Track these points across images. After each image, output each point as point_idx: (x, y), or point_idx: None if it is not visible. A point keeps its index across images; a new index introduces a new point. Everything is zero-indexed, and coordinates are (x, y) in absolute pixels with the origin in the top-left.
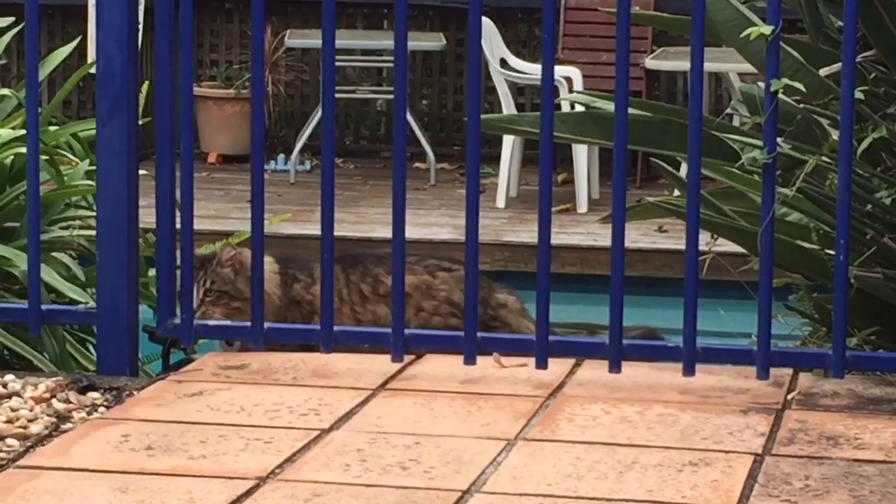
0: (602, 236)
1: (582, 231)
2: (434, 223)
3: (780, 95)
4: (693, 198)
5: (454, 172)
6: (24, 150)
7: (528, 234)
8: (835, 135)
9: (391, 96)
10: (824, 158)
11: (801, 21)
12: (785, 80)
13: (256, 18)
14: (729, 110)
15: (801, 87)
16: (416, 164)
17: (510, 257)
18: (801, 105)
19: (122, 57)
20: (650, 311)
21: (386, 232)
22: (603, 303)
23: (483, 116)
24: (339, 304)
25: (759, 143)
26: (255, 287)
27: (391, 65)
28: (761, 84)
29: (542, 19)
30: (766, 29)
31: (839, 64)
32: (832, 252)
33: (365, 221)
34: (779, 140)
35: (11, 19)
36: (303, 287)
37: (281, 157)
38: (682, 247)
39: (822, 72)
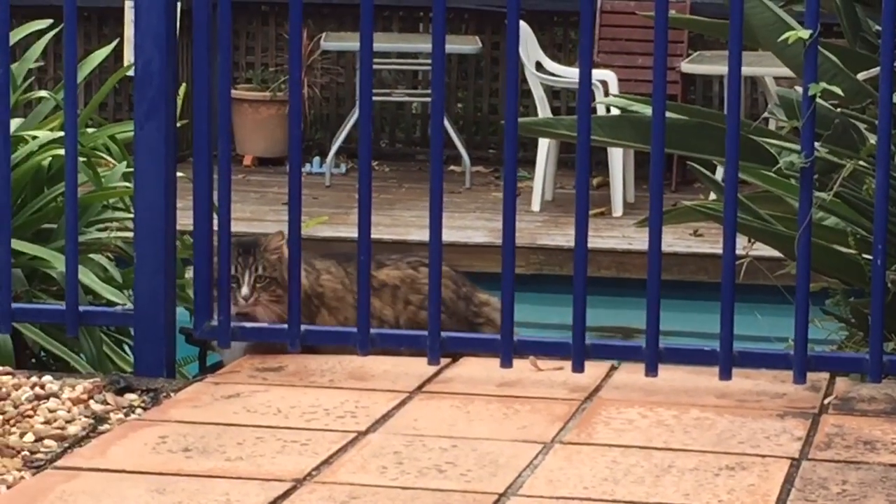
0: (637, 240)
1: (617, 235)
2: (469, 226)
3: (818, 99)
4: (730, 202)
5: (489, 175)
6: (61, 151)
7: (563, 237)
8: (872, 139)
9: (427, 99)
10: (861, 163)
11: (837, 25)
12: (823, 84)
13: (294, 22)
14: (766, 114)
15: (838, 91)
16: (452, 167)
17: (545, 261)
18: (839, 109)
19: (160, 59)
20: (685, 315)
21: (421, 235)
22: (638, 307)
23: (520, 120)
24: (344, 292)
25: (797, 147)
26: (293, 289)
27: (427, 68)
28: (798, 88)
29: (580, 23)
30: (805, 33)
31: (877, 68)
32: (869, 256)
33: (400, 224)
34: (816, 144)
35: (49, 21)
36: (314, 279)
37: (316, 159)
38: (718, 251)
39: (860, 76)
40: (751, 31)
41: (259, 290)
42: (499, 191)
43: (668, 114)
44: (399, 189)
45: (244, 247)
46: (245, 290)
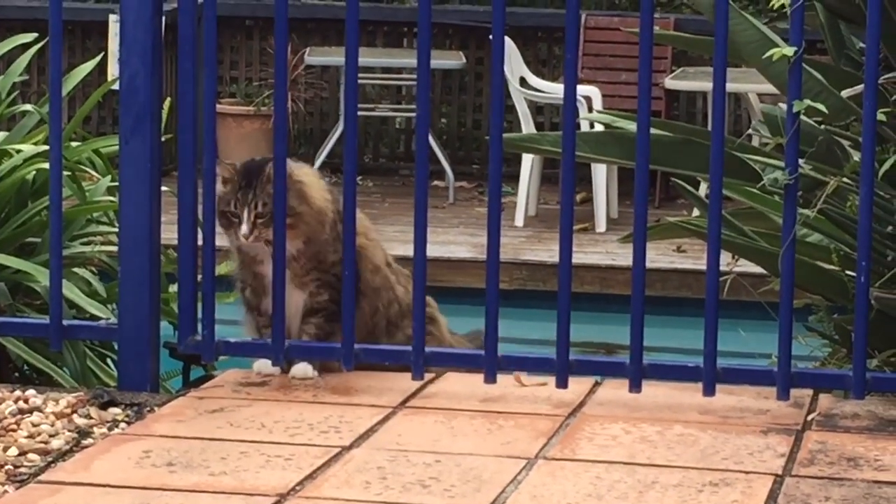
0: (621, 256)
1: (601, 250)
2: (452, 241)
3: (802, 116)
4: (714, 218)
5: (473, 191)
6: (46, 165)
7: (546, 252)
8: (856, 156)
9: (411, 114)
10: (845, 180)
11: (822, 42)
12: (807, 102)
13: (280, 36)
14: (750, 131)
15: (822, 108)
16: (435, 182)
17: (528, 276)
18: (823, 126)
19: (145, 73)
20: (668, 331)
21: (404, 250)
22: (621, 322)
23: (505, 135)
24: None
25: (781, 163)
26: (278, 301)
27: (411, 83)
28: (782, 105)
29: (566, 38)
30: (789, 50)
31: (861, 85)
32: (853, 273)
33: (384, 239)
34: (800, 161)
35: (34, 35)
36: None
37: None
38: (701, 267)
39: (844, 93)
40: (735, 48)
41: (260, 227)
42: (482, 206)
43: (653, 130)
44: (382, 204)
45: (247, 178)
46: (245, 227)
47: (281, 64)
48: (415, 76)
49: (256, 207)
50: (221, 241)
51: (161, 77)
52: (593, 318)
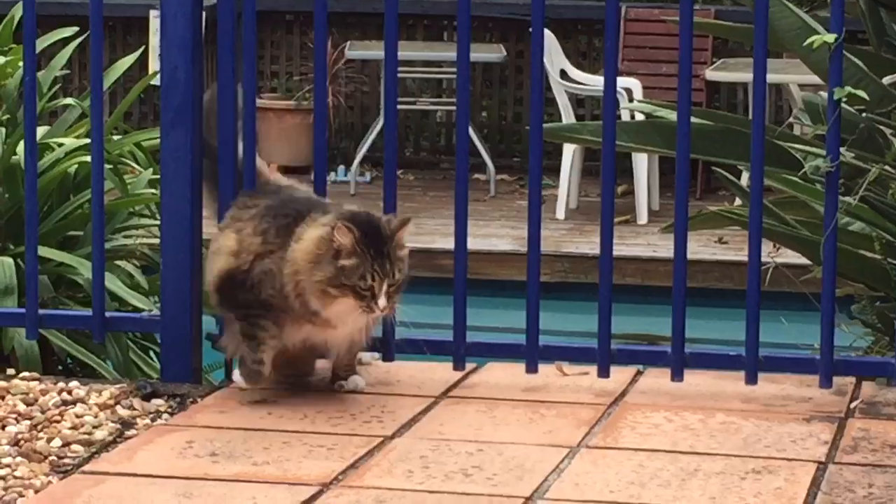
0: (662, 247)
1: (642, 242)
2: (494, 234)
3: (843, 104)
4: (756, 206)
5: (514, 184)
6: (88, 158)
7: (588, 245)
8: None
9: (451, 108)
10: (887, 167)
11: (862, 32)
12: (848, 89)
13: (319, 31)
14: (791, 119)
15: (864, 95)
16: (476, 176)
17: (570, 268)
18: (864, 114)
19: (185, 67)
20: (710, 322)
21: (446, 243)
22: (663, 314)
23: (544, 126)
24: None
25: (822, 151)
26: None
27: (451, 76)
28: (823, 93)
29: (605, 28)
30: (830, 37)
31: None
32: (895, 261)
33: (425, 233)
34: (841, 149)
35: (74, 29)
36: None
37: (341, 168)
38: (743, 258)
39: (886, 80)
40: (776, 36)
41: (394, 294)
42: (523, 199)
43: (693, 119)
44: (424, 197)
45: (375, 247)
46: (382, 301)
47: (320, 58)
48: (455, 69)
49: (392, 276)
50: None
51: (201, 71)
52: (635, 310)
